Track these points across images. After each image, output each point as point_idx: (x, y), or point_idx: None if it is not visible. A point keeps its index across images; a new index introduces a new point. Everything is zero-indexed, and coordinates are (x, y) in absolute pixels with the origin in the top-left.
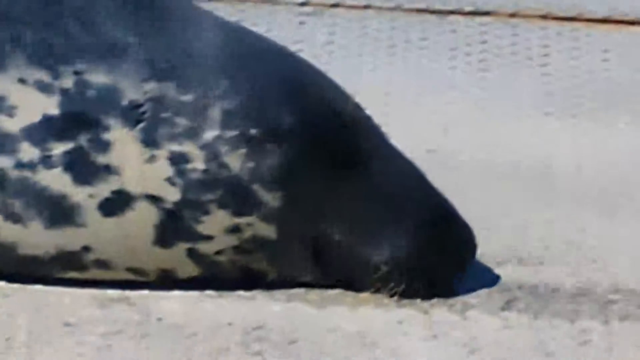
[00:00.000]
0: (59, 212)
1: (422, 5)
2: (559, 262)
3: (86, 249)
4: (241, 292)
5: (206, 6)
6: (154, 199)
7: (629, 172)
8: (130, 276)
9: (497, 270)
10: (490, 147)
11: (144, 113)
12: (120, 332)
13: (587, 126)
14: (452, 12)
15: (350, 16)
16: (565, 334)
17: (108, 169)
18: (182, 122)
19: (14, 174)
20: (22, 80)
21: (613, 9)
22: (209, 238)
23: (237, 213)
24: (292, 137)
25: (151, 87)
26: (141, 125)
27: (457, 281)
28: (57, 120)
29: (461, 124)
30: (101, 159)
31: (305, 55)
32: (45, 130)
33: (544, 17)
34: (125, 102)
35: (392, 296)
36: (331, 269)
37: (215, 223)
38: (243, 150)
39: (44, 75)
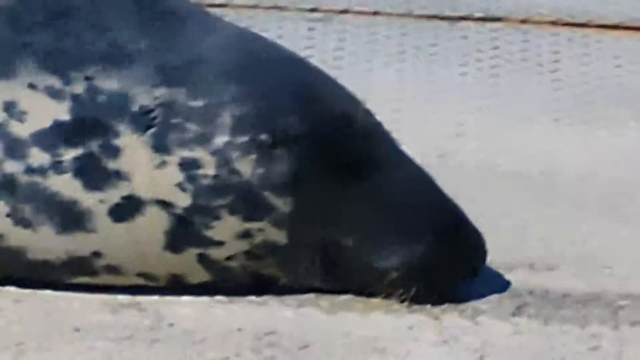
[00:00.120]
0: (70, 218)
1: (433, 12)
2: (569, 268)
3: (96, 254)
4: (252, 298)
5: (216, 12)
6: (164, 205)
7: None
8: (141, 281)
9: (507, 276)
10: (500, 153)
11: (154, 119)
12: (130, 337)
13: (598, 132)
14: (462, 18)
15: (360, 22)
16: (575, 339)
17: (118, 175)
18: (192, 127)
19: (24, 179)
20: (32, 86)
21: (624, 15)
22: (219, 243)
23: (248, 218)
24: (303, 142)
25: (162, 92)
26: (151, 130)
27: (467, 287)
28: (68, 125)
29: (472, 130)
30: (111, 165)
31: (314, 61)
32: (55, 136)
33: (555, 23)
34: (135, 108)
35: (402, 302)
36: (342, 274)
37: (226, 228)
38: (253, 156)
39: (54, 81)
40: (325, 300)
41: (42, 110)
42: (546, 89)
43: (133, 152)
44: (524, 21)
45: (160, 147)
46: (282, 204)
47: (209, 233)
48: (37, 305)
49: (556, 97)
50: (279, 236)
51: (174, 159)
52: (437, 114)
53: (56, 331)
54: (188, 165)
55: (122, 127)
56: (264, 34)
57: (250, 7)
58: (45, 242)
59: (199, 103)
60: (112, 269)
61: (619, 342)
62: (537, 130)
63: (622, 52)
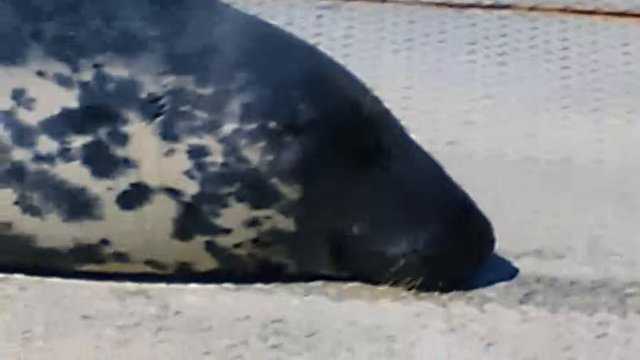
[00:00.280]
0: (78, 205)
1: None
2: (577, 255)
3: (104, 242)
4: (259, 285)
5: (225, 0)
6: (172, 192)
7: None
8: (149, 269)
9: (515, 264)
10: (509, 140)
11: (162, 106)
12: (138, 325)
13: (607, 119)
14: (471, 6)
15: (368, 10)
16: (583, 326)
17: (127, 162)
18: (201, 115)
19: (33, 166)
20: (41, 73)
21: (632, 2)
22: (227, 231)
23: (256, 206)
24: (311, 130)
25: (170, 80)
26: (160, 118)
27: (475, 274)
28: (76, 113)
29: (480, 118)
30: (120, 152)
31: (323, 48)
32: (64, 123)
33: (563, 10)
34: (144, 95)
35: (410, 289)
36: (350, 261)
37: (234, 216)
38: (262, 144)
39: (63, 68)
40: (333, 287)
41: (51, 97)
42: (554, 76)
43: (141, 139)
44: (532, 9)
45: (168, 134)
46: (290, 192)
47: (217, 221)
48: (44, 292)
49: (565, 85)
50: (287, 224)
51: (182, 146)
52: (445, 102)
53: (63, 319)
54: (196, 153)
55: (131, 115)
56: (272, 22)
57: None
58: (53, 230)
59: (207, 91)
60: (120, 257)
61: (627, 330)
62: (546, 117)
63: (630, 39)
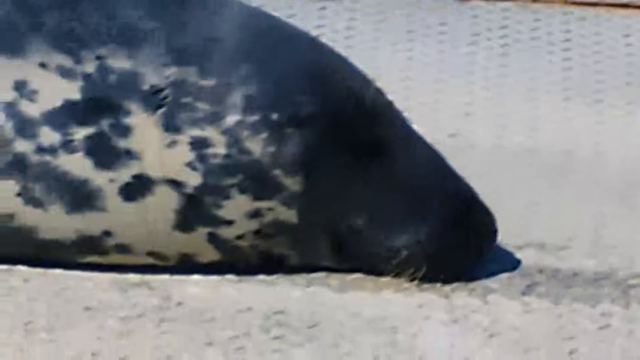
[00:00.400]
0: (80, 197)
1: None
2: (579, 247)
3: (107, 233)
4: (262, 277)
5: None
6: (174, 184)
7: None
8: (151, 261)
9: (517, 255)
10: (511, 132)
11: (165, 98)
12: (140, 316)
13: (608, 111)
14: None
15: (370, 1)
16: (585, 317)
17: (129, 154)
18: (203, 106)
19: (35, 158)
20: (43, 65)
21: None
22: (229, 223)
23: (258, 197)
24: (313, 122)
25: (172, 71)
26: (162, 110)
27: (477, 265)
28: (79, 104)
29: (482, 109)
30: (122, 144)
31: (325, 40)
32: (66, 115)
33: (565, 2)
34: (146, 87)
35: (412, 280)
36: (352, 253)
37: (236, 207)
38: (264, 135)
39: (65, 60)
40: (335, 279)
41: (53, 89)
42: (556, 68)
43: (143, 131)
44: (534, 0)
45: (170, 126)
46: (293, 183)
47: (219, 212)
48: (47, 284)
49: (567, 77)
50: (289, 215)
51: (184, 138)
52: (447, 94)
53: (66, 310)
54: (198, 145)
55: (133, 107)
56: (275, 14)
57: None
58: (55, 222)
59: (209, 82)
60: (122, 248)
61: (630, 321)
62: (548, 109)
63: (632, 31)
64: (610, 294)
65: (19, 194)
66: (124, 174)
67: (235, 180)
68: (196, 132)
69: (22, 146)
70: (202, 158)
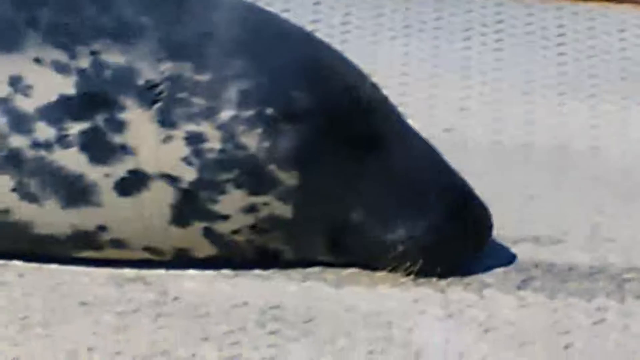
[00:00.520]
0: (75, 192)
1: None
2: (575, 241)
3: (102, 228)
4: (257, 272)
5: None
6: (170, 179)
7: None
8: (147, 255)
9: (513, 249)
10: (505, 127)
11: (160, 93)
12: (136, 311)
13: (603, 106)
14: None
15: None
16: (581, 312)
17: (124, 149)
18: (198, 102)
19: (30, 153)
20: (38, 60)
21: None
22: (225, 217)
23: (254, 192)
24: (309, 116)
25: (167, 66)
26: (157, 105)
27: (473, 260)
28: (74, 100)
29: (477, 104)
30: (117, 139)
31: (321, 35)
32: (61, 110)
33: None
34: (141, 82)
35: (408, 275)
36: (348, 248)
37: (232, 202)
38: (259, 130)
39: (60, 55)
40: (331, 273)
41: (48, 84)
42: (551, 63)
43: (139, 126)
44: None
45: (166, 121)
46: (288, 178)
47: (215, 207)
48: (42, 279)
49: (561, 72)
50: (285, 210)
51: (179, 133)
52: (442, 89)
53: (61, 305)
54: (194, 140)
55: (128, 102)
56: (270, 8)
57: None
58: (50, 217)
59: (205, 77)
60: (118, 243)
61: (625, 315)
62: (543, 104)
63: (626, 26)
64: (605, 288)
65: (14, 189)
66: (120, 169)
67: (231, 175)
68: (191, 127)
69: (17, 141)
70: (197, 153)
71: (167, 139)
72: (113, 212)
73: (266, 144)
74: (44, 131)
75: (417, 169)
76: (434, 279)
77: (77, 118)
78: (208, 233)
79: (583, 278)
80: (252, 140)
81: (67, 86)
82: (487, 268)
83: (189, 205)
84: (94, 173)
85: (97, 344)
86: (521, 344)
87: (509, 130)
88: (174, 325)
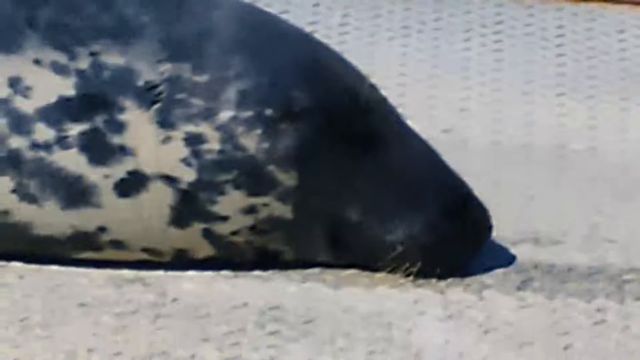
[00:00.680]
0: (75, 193)
1: None
2: (574, 242)
3: (101, 229)
4: (257, 273)
5: None
6: (169, 180)
7: None
8: (146, 256)
9: (512, 250)
10: (505, 127)
11: (159, 94)
12: (135, 312)
13: (602, 107)
14: None
15: None
16: (580, 313)
17: (123, 150)
18: (197, 102)
19: (30, 154)
20: (37, 62)
21: None
22: (224, 218)
23: (253, 193)
24: (308, 117)
25: (166, 67)
26: (157, 106)
27: (472, 261)
28: (73, 101)
29: (476, 105)
30: (117, 140)
31: (319, 36)
32: (60, 111)
33: None
34: (140, 83)
35: (407, 276)
36: (347, 248)
37: (231, 203)
38: (258, 131)
39: (59, 56)
40: (330, 274)
41: (47, 85)
42: (550, 63)
43: (138, 127)
44: None
45: (165, 122)
46: (287, 179)
47: (214, 208)
48: (42, 280)
49: (560, 72)
50: (284, 211)
51: (178, 134)
52: (441, 89)
53: (61, 306)
54: (193, 141)
55: (127, 103)
56: (268, 9)
57: None
58: (50, 218)
59: (204, 78)
60: (117, 244)
61: (625, 316)
62: (542, 105)
63: (626, 26)
64: (605, 289)
65: (13, 190)
66: (119, 170)
67: (230, 176)
68: (190, 128)
69: (17, 142)
70: (196, 154)
71: (166, 139)
72: (112, 213)
73: (265, 145)
74: (44, 132)
75: (416, 169)
76: (434, 280)
77: (76, 119)
78: (207, 234)
79: (582, 279)
80: (251, 141)
81: (67, 87)
82: (487, 269)
83: (188, 206)
84: (94, 174)
85: (97, 345)
86: (521, 344)
87: (508, 130)
88: (173, 326)
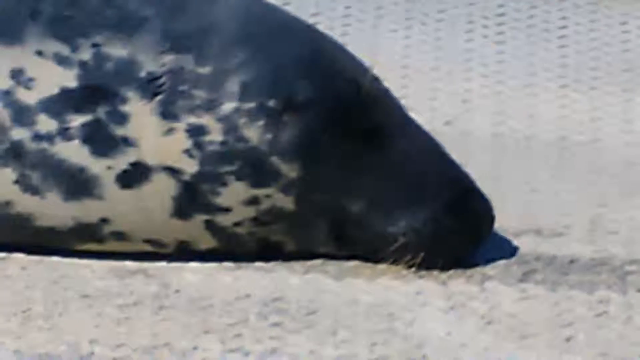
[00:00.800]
0: (77, 184)
1: None
2: (576, 234)
3: (104, 220)
4: (259, 264)
5: None
6: (171, 171)
7: None
8: (148, 248)
9: (515, 242)
10: (507, 119)
11: (161, 85)
12: (138, 303)
13: (605, 99)
14: None
15: None
16: (583, 304)
17: (126, 141)
18: (200, 94)
19: (32, 146)
20: (40, 53)
21: None
22: (227, 210)
23: (255, 185)
24: (310, 108)
25: (169, 59)
26: (159, 97)
27: (475, 252)
28: (75, 92)
29: (479, 97)
30: (119, 131)
31: (322, 28)
32: (63, 103)
33: None
34: (143, 74)
35: (410, 267)
36: (350, 240)
37: (233, 195)
38: (261, 122)
39: (62, 48)
40: (333, 266)
41: (50, 77)
42: (553, 55)
43: (140, 118)
44: None
45: (167, 113)
46: (290, 170)
47: (217, 199)
48: (44, 271)
49: (563, 64)
50: (287, 202)
51: (181, 125)
52: (444, 81)
53: (63, 298)
54: (195, 132)
55: (130, 94)
56: (271, 1)
57: None
58: (52, 209)
59: (206, 69)
60: (120, 236)
61: (627, 308)
62: (545, 97)
63: (629, 18)
64: (607, 281)
65: (16, 182)
66: (121, 162)
67: (233, 168)
68: (193, 120)
69: (19, 134)
70: (199, 145)
71: (169, 131)
72: (115, 205)
73: (268, 136)
74: (46, 124)
75: (418, 161)
76: (436, 272)
77: (78, 110)
78: (210, 225)
79: (585, 270)
80: (253, 133)
81: (69, 79)
82: (489, 260)
83: (191, 198)
84: (96, 165)
85: (99, 336)
86: (523, 336)
87: (510, 122)
88: (175, 318)
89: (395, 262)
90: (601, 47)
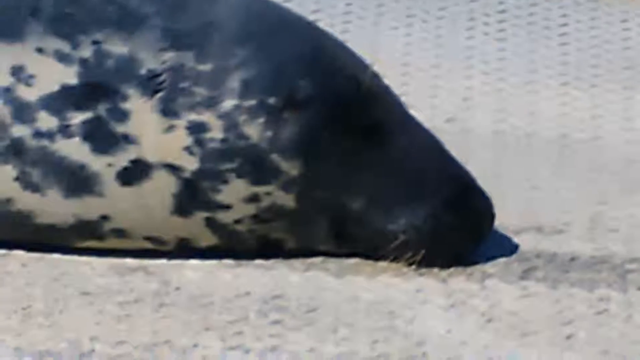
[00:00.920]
0: (78, 181)
1: None
2: (577, 231)
3: (104, 218)
4: (260, 262)
5: None
6: (172, 168)
7: None
8: (149, 245)
9: (515, 240)
10: (508, 117)
11: (162, 82)
12: (138, 301)
13: (606, 96)
14: None
15: None
16: (583, 302)
17: (126, 139)
18: (200, 91)
19: (33, 143)
20: (40, 50)
21: None
22: (227, 207)
23: (256, 182)
24: (311, 106)
25: (169, 56)
26: (159, 94)
27: (475, 250)
28: (76, 89)
29: (479, 94)
30: (119, 129)
31: (322, 24)
32: (63, 100)
33: None
34: (143, 72)
35: (410, 265)
36: (350, 237)
37: (234, 192)
38: (262, 120)
39: (62, 45)
40: (333, 263)
41: (51, 74)
42: (554, 53)
43: (141, 116)
44: None
45: (168, 110)
46: (290, 168)
47: (217, 197)
48: (44, 269)
49: (564, 61)
50: (287, 200)
51: (182, 122)
52: (444, 79)
53: (64, 295)
54: (196, 129)
55: (130, 91)
56: None
57: None
58: (53, 206)
59: (207, 67)
60: (120, 233)
61: (627, 306)
62: (545, 94)
63: (629, 16)
64: (607, 279)
65: (16, 179)
66: (122, 159)
67: (233, 165)
68: (193, 117)
69: (20, 131)
70: (199, 142)
71: (169, 128)
72: (115, 202)
73: (268, 134)
74: (47, 121)
75: (419, 158)
76: (436, 269)
77: (79, 108)
78: (210, 223)
79: (585, 268)
80: (254, 130)
81: (70, 76)
82: (490, 258)
83: (191, 195)
84: (96, 163)
85: (100, 334)
86: (523, 334)
87: (511, 119)
88: (176, 315)
89: (395, 259)
90: (602, 44)
